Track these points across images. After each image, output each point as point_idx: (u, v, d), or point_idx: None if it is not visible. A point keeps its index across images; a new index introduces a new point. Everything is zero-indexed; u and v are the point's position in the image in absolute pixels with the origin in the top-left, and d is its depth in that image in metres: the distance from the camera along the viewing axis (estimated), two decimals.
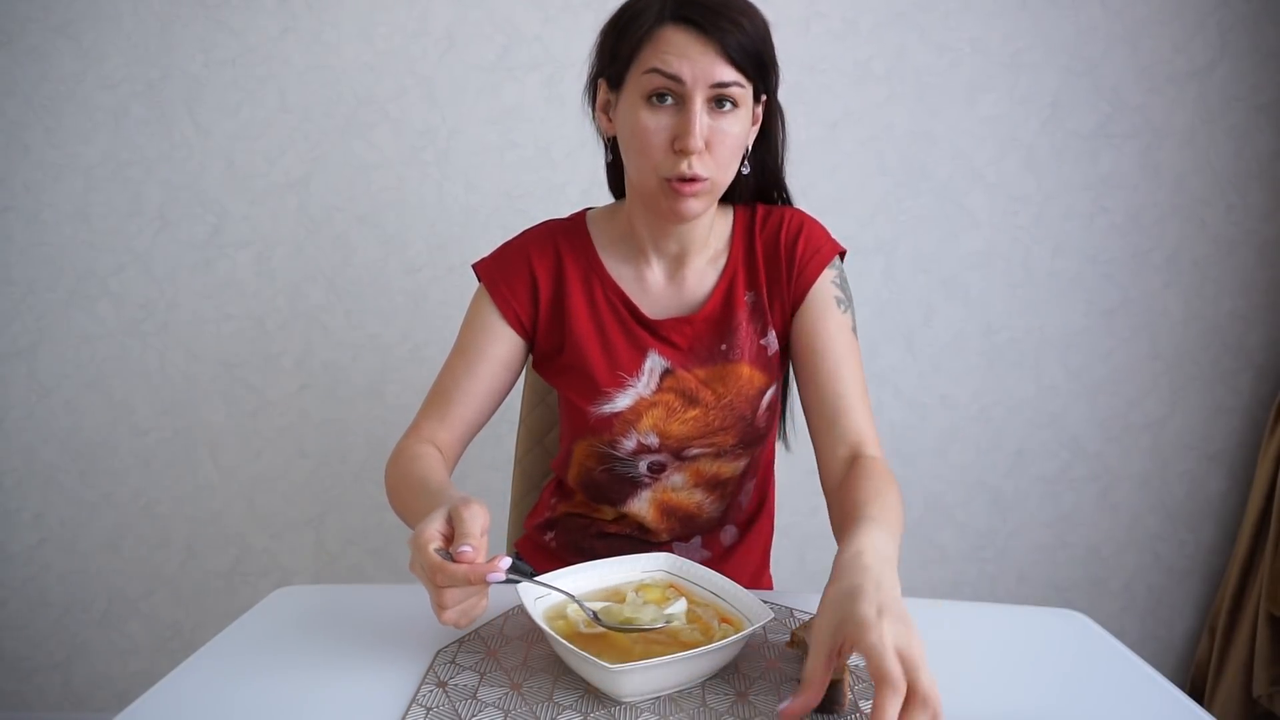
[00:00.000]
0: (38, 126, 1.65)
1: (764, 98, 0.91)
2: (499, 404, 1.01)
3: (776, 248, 0.97)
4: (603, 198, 1.71)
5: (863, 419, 0.90)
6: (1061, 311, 1.78)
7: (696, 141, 0.83)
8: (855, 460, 0.86)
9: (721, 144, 0.85)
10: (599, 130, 0.95)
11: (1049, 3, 1.67)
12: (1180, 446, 1.83)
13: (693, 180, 0.85)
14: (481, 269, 1.01)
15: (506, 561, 0.66)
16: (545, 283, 0.98)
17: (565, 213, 1.79)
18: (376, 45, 1.66)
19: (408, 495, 0.86)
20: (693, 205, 0.87)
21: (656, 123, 0.84)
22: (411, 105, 1.68)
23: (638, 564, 0.83)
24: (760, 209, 1.00)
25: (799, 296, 0.97)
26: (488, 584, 0.66)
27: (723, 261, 0.99)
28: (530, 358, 1.03)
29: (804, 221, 0.99)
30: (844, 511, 0.79)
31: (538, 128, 1.69)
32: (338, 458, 1.80)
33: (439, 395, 0.98)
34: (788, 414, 1.08)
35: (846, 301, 0.97)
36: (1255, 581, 1.71)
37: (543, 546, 1.11)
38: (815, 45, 1.68)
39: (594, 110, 0.94)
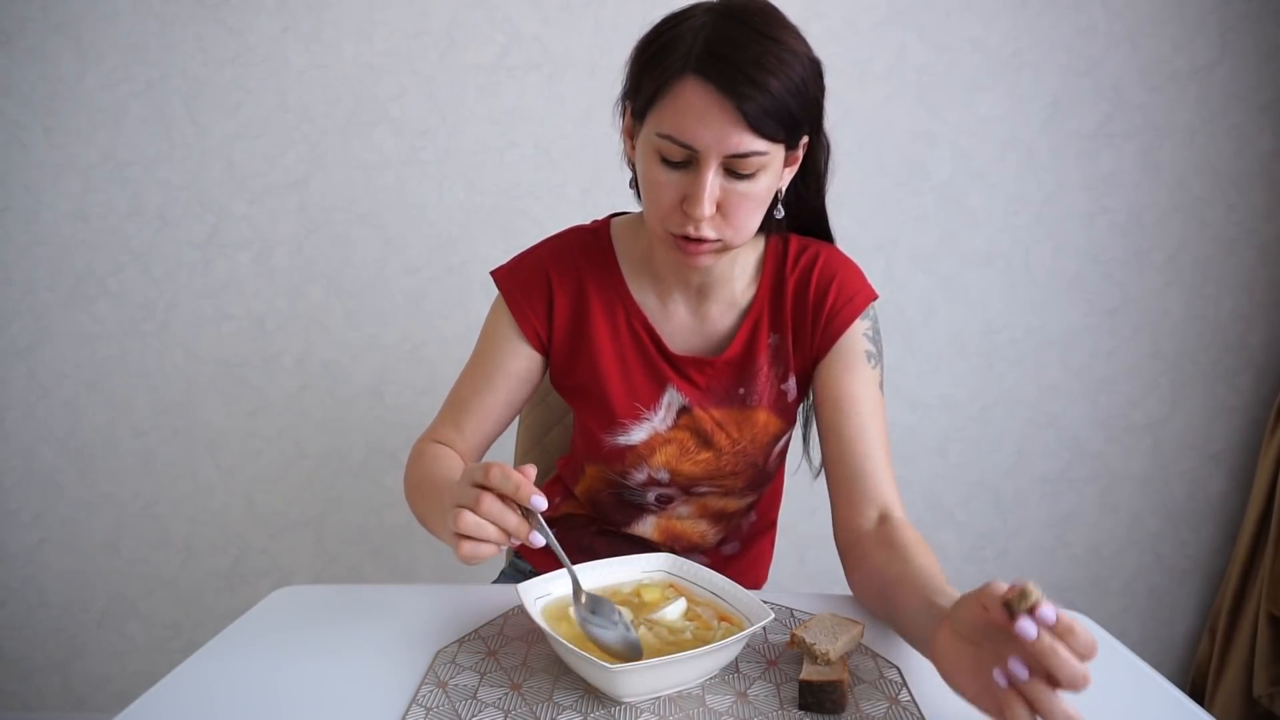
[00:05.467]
0: (37, 126, 1.65)
1: (805, 139, 0.84)
2: (517, 414, 1.00)
3: (806, 292, 0.93)
4: (601, 197, 1.72)
5: (887, 481, 0.88)
6: (1062, 311, 1.78)
7: (705, 209, 0.77)
8: (887, 523, 0.84)
9: (737, 206, 0.79)
10: (624, 150, 0.89)
11: (1049, 2, 1.67)
12: (1181, 446, 1.83)
13: (699, 241, 0.81)
14: (500, 278, 0.97)
15: (544, 501, 0.67)
16: (563, 303, 0.95)
17: (564, 212, 1.79)
18: (376, 45, 1.66)
19: (431, 492, 0.85)
20: (700, 261, 0.83)
21: (667, 178, 0.79)
22: (411, 105, 1.68)
23: (638, 564, 0.83)
24: (794, 243, 0.95)
25: (825, 347, 0.93)
26: (529, 508, 0.66)
27: (749, 298, 0.95)
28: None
29: (839, 266, 0.94)
30: (912, 571, 0.75)
31: (537, 127, 1.69)
32: (338, 458, 1.80)
33: (457, 405, 0.97)
34: (810, 447, 1.04)
35: (877, 355, 0.93)
36: (1256, 582, 1.71)
37: None
38: (815, 45, 1.66)
39: (621, 126, 0.88)
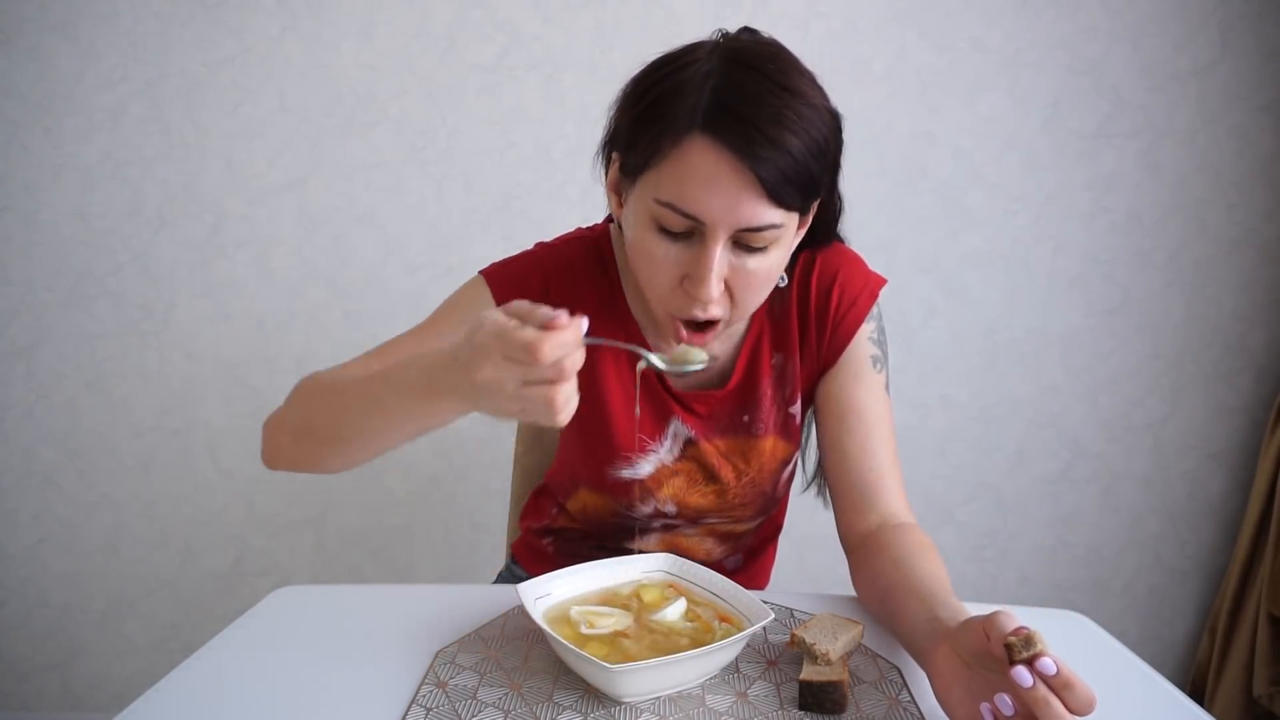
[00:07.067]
0: (36, 126, 1.65)
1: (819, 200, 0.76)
2: None
3: (808, 299, 0.87)
4: (600, 198, 1.71)
5: (894, 491, 0.84)
6: (1062, 311, 1.78)
7: (712, 290, 0.68)
8: (892, 527, 0.81)
9: (747, 285, 0.70)
10: (608, 205, 0.80)
11: (1049, 2, 1.67)
12: (1181, 446, 1.83)
13: (707, 325, 0.72)
14: (490, 276, 0.87)
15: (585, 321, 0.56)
16: None
17: (564, 212, 1.79)
18: (376, 45, 1.66)
19: (374, 376, 0.69)
20: (703, 342, 0.75)
21: (665, 253, 0.69)
22: (411, 105, 1.68)
23: (637, 564, 0.83)
24: None
25: (831, 359, 0.88)
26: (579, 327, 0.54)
27: (747, 321, 0.89)
28: None
29: (841, 264, 0.88)
30: (917, 580, 0.72)
31: (537, 128, 1.69)
32: None
33: (383, 357, 0.81)
34: (807, 452, 1.01)
35: (883, 359, 0.89)
36: (1256, 582, 1.71)
37: (539, 551, 1.10)
38: (815, 45, 1.68)
39: (604, 177, 0.79)
